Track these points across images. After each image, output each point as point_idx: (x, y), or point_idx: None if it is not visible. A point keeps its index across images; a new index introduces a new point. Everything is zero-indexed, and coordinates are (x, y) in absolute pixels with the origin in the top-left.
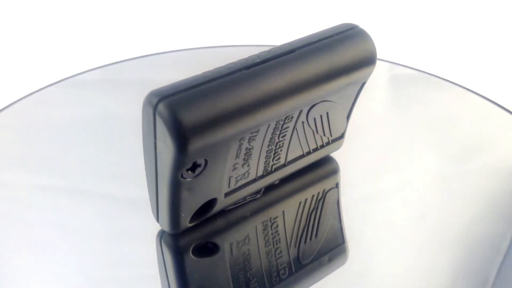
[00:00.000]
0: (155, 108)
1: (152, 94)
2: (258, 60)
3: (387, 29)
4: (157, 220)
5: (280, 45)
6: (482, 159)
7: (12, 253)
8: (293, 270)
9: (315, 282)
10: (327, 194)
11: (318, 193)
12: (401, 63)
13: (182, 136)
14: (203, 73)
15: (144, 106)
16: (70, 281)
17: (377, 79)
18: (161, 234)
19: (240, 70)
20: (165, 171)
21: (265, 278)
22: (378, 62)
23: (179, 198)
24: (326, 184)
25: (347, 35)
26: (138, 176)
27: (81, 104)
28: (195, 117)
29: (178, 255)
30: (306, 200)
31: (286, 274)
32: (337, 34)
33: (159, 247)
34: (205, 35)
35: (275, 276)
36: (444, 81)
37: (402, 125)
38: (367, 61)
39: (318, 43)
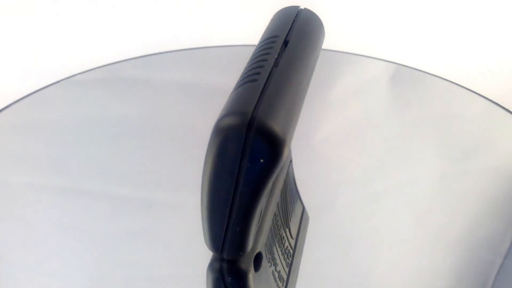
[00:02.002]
0: (248, 129)
1: (233, 116)
2: (276, 56)
3: (387, 29)
4: (219, 251)
5: (268, 39)
6: (482, 159)
7: (12, 252)
8: (292, 248)
9: (304, 249)
10: (289, 171)
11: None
12: (401, 63)
13: (283, 148)
14: (246, 82)
15: (224, 131)
16: (70, 280)
17: (377, 79)
18: (220, 263)
19: (272, 69)
20: (253, 191)
21: (284, 267)
22: (378, 62)
23: (257, 215)
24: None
25: (304, 16)
26: (138, 176)
27: (81, 104)
28: (282, 126)
29: (245, 276)
30: (283, 183)
31: (291, 254)
32: (296, 17)
33: (218, 278)
34: (205, 35)
35: (287, 260)
36: (444, 81)
37: (402, 125)
38: (323, 35)
39: (295, 29)
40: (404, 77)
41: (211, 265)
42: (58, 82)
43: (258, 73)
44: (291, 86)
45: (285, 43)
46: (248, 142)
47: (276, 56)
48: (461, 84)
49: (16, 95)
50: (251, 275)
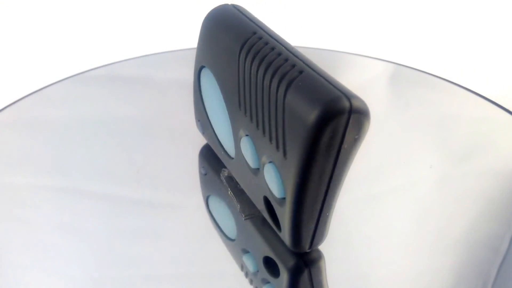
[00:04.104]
0: (349, 112)
1: (330, 104)
2: (283, 48)
3: (387, 29)
4: (309, 244)
5: (252, 36)
6: (481, 160)
7: (12, 252)
8: None
9: None
10: None
11: None
12: (401, 63)
13: (369, 120)
14: (296, 74)
15: (326, 121)
16: (70, 280)
17: (377, 79)
18: (298, 259)
19: (297, 59)
20: (345, 170)
21: None
22: (378, 62)
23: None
24: None
25: (245, 11)
26: (138, 176)
27: (81, 103)
28: (362, 101)
29: (321, 262)
30: None
31: None
32: (241, 13)
33: (302, 272)
34: None
35: None
36: (444, 81)
37: (402, 125)
38: None
39: (257, 22)
40: (404, 77)
41: (285, 265)
42: (58, 81)
43: (294, 65)
44: (322, 69)
45: (270, 36)
46: (348, 124)
47: (283, 48)
48: (461, 84)
49: (17, 94)
50: (323, 260)
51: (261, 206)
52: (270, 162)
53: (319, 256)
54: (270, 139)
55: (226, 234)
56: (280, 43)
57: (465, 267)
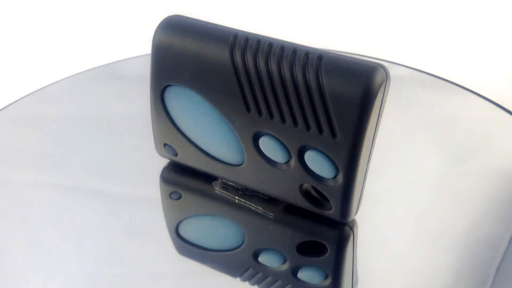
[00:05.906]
0: (386, 78)
1: (375, 76)
2: (280, 42)
3: (387, 29)
4: (355, 213)
5: (236, 38)
6: (481, 160)
7: (11, 250)
8: None
9: None
10: None
11: None
12: (400, 63)
13: None
14: (319, 58)
15: (377, 89)
16: (68, 277)
17: None
18: (342, 229)
19: (303, 46)
20: (378, 130)
21: None
22: (378, 62)
23: None
24: None
25: (192, 18)
26: (137, 174)
27: (83, 102)
28: None
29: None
30: None
31: None
32: (198, 21)
33: (348, 238)
34: None
35: None
36: (444, 81)
37: (401, 125)
38: None
39: (223, 26)
40: (404, 77)
41: (331, 239)
42: (59, 80)
43: (307, 53)
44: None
45: (255, 34)
46: (385, 89)
47: (279, 42)
48: (461, 84)
49: (18, 93)
50: (357, 225)
51: (293, 197)
52: (310, 149)
53: (354, 222)
54: (307, 128)
55: (228, 244)
56: (271, 39)
57: (464, 266)
